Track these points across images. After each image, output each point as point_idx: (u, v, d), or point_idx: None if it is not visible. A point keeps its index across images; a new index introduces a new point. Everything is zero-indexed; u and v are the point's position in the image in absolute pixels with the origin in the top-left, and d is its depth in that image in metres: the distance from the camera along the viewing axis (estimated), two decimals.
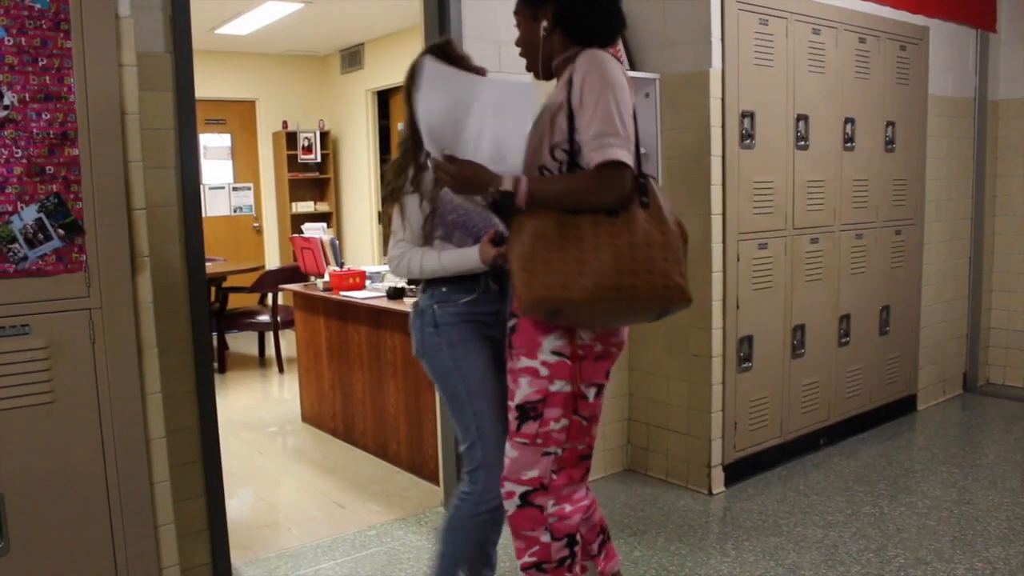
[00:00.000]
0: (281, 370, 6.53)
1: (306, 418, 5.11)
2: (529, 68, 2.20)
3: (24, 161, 2.06)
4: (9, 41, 2.02)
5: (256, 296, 6.94)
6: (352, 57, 8.42)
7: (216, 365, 6.36)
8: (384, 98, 8.39)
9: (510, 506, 2.16)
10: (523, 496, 2.13)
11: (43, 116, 2.07)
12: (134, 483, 2.24)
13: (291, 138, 8.59)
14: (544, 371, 2.06)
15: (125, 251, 2.19)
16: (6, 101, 2.03)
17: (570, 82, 2.00)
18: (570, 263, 1.93)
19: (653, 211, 1.98)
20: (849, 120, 4.22)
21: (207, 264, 2.87)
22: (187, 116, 2.72)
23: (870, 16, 4.30)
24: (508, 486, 2.15)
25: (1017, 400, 5.14)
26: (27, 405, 2.08)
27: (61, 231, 2.11)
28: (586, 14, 2.07)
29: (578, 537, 2.18)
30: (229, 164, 8.72)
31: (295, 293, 5.13)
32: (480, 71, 2.26)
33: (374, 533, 3.38)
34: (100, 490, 2.19)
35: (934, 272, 4.99)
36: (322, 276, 4.98)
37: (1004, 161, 5.36)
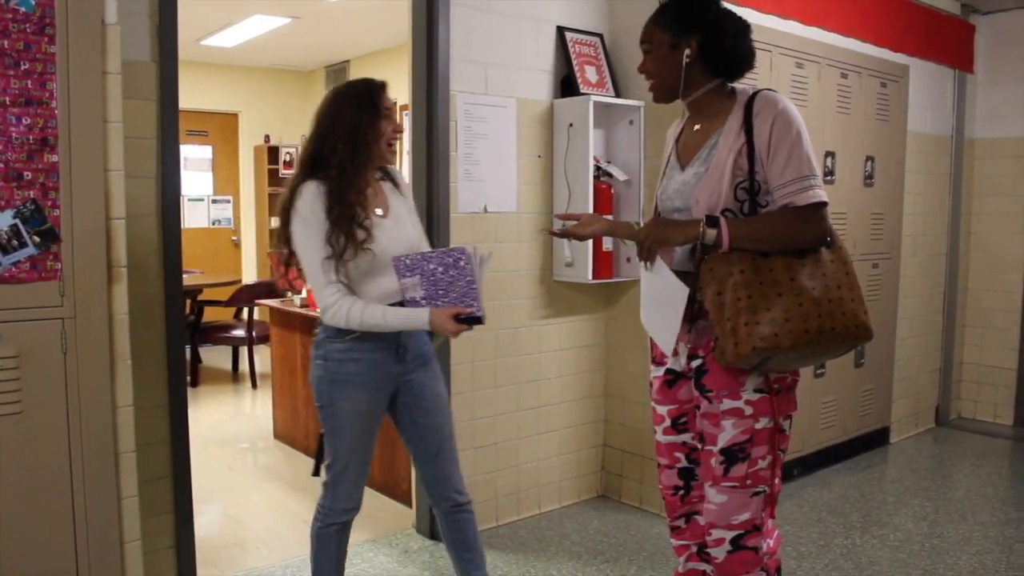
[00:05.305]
0: (255, 386, 6.45)
1: (278, 435, 5.04)
2: (652, 90, 2.17)
3: (1, 166, 2.03)
4: None
5: (232, 310, 6.87)
6: (337, 74, 8.42)
7: (189, 379, 6.28)
8: None
9: (720, 553, 2.07)
10: (734, 540, 2.05)
11: (23, 121, 2.04)
12: (102, 498, 2.19)
13: (273, 152, 8.55)
14: (749, 410, 2.01)
15: (102, 261, 2.16)
16: None
17: (746, 123, 1.98)
18: (775, 310, 1.90)
19: (836, 251, 1.99)
20: (830, 154, 4.27)
21: (183, 276, 2.83)
22: (170, 126, 2.70)
23: (853, 52, 4.37)
24: (717, 533, 2.07)
25: (987, 435, 5.18)
26: None
27: (37, 238, 2.08)
28: (733, 47, 2.04)
29: (781, 566, 2.15)
30: (209, 176, 8.66)
31: (271, 308, 5.08)
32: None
33: None
34: (66, 504, 2.14)
35: (909, 306, 5.04)
36: (299, 292, 4.94)
37: (978, 199, 5.45)
